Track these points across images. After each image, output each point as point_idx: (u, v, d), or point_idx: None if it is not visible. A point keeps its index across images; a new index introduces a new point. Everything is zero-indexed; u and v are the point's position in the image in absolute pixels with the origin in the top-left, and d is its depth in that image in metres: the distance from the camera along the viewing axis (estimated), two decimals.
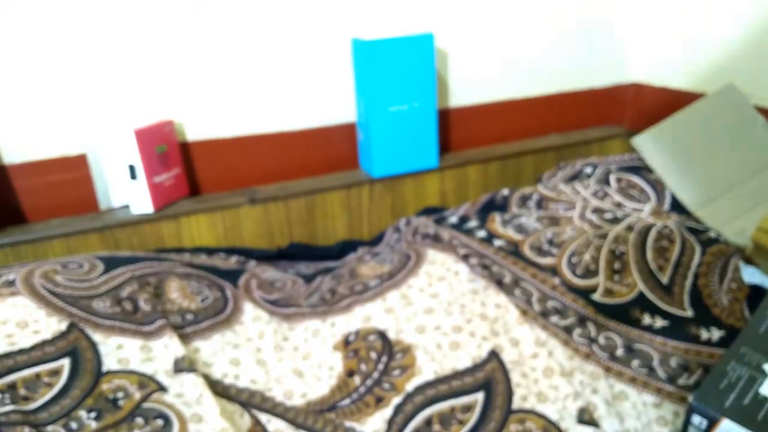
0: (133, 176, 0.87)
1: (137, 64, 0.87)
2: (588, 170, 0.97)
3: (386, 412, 0.59)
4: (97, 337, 0.60)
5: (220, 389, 0.60)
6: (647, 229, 0.77)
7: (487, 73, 1.11)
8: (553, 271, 0.71)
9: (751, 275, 0.72)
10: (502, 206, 0.90)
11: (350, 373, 0.63)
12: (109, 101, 0.87)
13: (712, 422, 0.48)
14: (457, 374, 0.62)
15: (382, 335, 0.66)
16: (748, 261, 0.75)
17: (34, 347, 0.57)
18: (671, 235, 0.76)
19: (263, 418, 0.59)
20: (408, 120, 0.99)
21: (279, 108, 0.98)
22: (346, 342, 0.66)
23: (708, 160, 0.93)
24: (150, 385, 0.57)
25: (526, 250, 0.75)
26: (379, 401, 0.60)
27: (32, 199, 0.87)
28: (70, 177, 0.88)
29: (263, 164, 0.99)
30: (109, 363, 0.58)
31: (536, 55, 1.14)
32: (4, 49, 0.80)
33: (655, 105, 1.18)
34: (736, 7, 0.99)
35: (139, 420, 0.54)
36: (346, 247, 0.98)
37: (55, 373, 0.56)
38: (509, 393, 0.61)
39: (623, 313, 0.68)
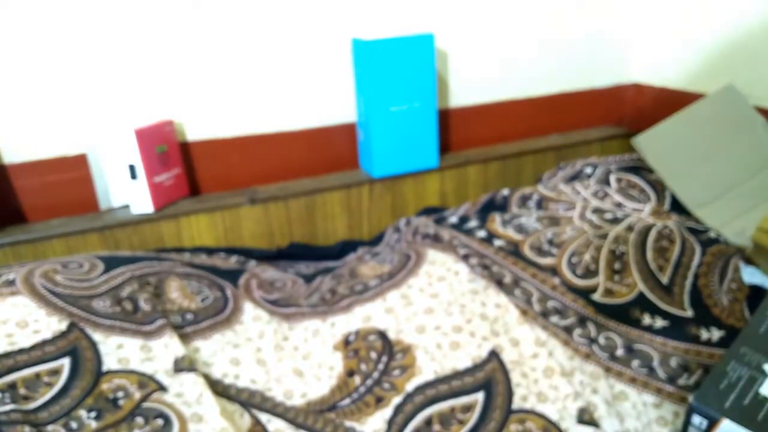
0: (133, 176, 0.87)
1: (137, 64, 0.87)
2: (588, 170, 0.97)
3: (386, 412, 0.59)
4: (97, 336, 0.60)
5: (220, 389, 0.60)
6: (647, 229, 0.77)
7: (487, 73, 1.11)
8: (553, 271, 0.71)
9: (751, 275, 0.72)
10: (502, 206, 0.90)
11: (350, 373, 0.63)
12: (109, 101, 0.87)
13: (712, 422, 0.48)
14: (457, 374, 0.62)
15: (382, 335, 0.66)
16: (748, 261, 0.75)
17: (34, 347, 0.57)
18: (671, 235, 0.76)
19: (263, 417, 0.59)
20: (408, 120, 0.99)
21: (279, 108, 0.98)
22: (346, 342, 0.66)
23: (708, 160, 0.93)
24: (150, 384, 0.57)
25: (526, 250, 0.75)
26: (379, 401, 0.60)
27: (32, 198, 0.87)
28: (70, 177, 0.88)
29: (263, 164, 0.99)
30: (109, 362, 0.58)
31: (536, 55, 1.14)
32: (4, 49, 0.80)
33: (655, 105, 1.18)
34: (736, 7, 0.99)
35: (139, 420, 0.54)
36: (346, 247, 0.98)
37: (55, 372, 0.56)
38: (509, 393, 0.61)
39: (623, 313, 0.68)
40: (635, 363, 0.63)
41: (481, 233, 0.79)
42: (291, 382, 0.63)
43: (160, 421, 0.54)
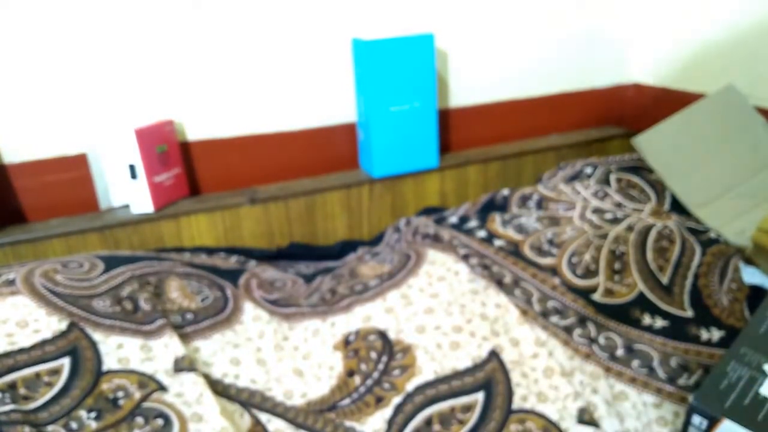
0: (134, 176, 0.87)
1: (137, 64, 0.87)
2: (588, 170, 0.97)
3: (386, 411, 0.59)
4: (97, 336, 0.60)
5: (220, 389, 0.60)
6: (647, 229, 0.77)
7: (487, 73, 1.11)
8: (554, 271, 0.71)
9: (751, 275, 0.72)
10: (502, 206, 0.90)
11: (350, 373, 0.63)
12: (109, 101, 0.87)
13: (713, 422, 0.48)
14: (457, 374, 0.62)
15: (382, 335, 0.66)
16: (748, 261, 0.75)
17: (34, 346, 0.57)
18: (671, 236, 0.76)
19: (263, 417, 0.59)
20: (408, 120, 0.99)
21: (279, 108, 0.98)
22: (346, 342, 0.66)
23: (708, 160, 0.93)
24: (150, 384, 0.57)
25: (526, 250, 0.75)
26: (379, 401, 0.60)
27: (32, 198, 0.87)
28: (70, 176, 0.88)
29: (263, 164, 0.99)
30: (109, 362, 0.58)
31: (536, 55, 1.14)
32: (4, 49, 0.80)
33: (655, 105, 1.18)
34: (736, 7, 0.99)
35: (140, 419, 0.54)
36: (346, 247, 0.98)
37: (55, 372, 0.56)
38: (509, 393, 0.61)
39: (623, 313, 0.68)
40: (635, 363, 0.63)
41: (481, 233, 0.79)
42: (291, 382, 0.63)
43: (160, 421, 0.54)
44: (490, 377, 0.62)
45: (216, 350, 0.64)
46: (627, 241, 0.75)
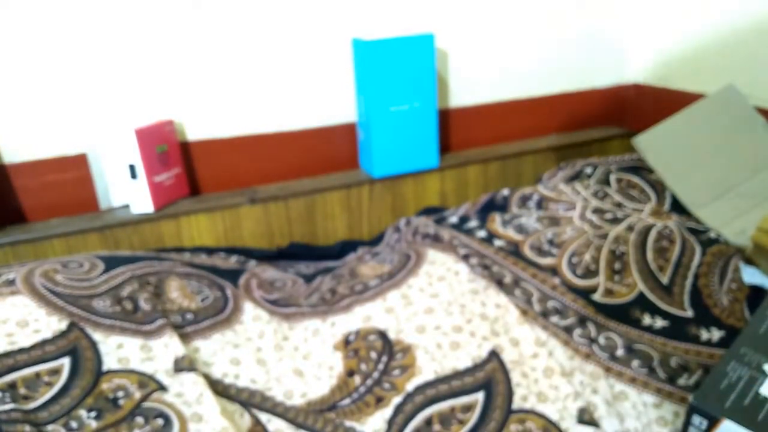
0: (134, 176, 0.87)
1: (137, 64, 0.87)
2: (588, 170, 0.97)
3: (386, 411, 0.59)
4: (97, 336, 0.60)
5: (220, 389, 0.60)
6: (647, 229, 0.77)
7: (487, 73, 1.11)
8: (554, 271, 0.71)
9: (751, 275, 0.72)
10: (502, 206, 0.90)
11: (350, 373, 0.63)
12: (109, 101, 0.87)
13: (713, 422, 0.48)
14: (458, 374, 0.62)
15: (382, 335, 0.66)
16: (748, 261, 0.75)
17: (34, 346, 0.57)
18: (671, 236, 0.76)
19: (263, 417, 0.59)
20: (408, 120, 0.99)
21: (279, 108, 0.98)
22: (346, 342, 0.66)
23: (708, 160, 0.93)
24: (150, 384, 0.57)
25: (527, 250, 0.75)
26: (380, 401, 0.60)
27: (32, 198, 0.87)
28: (70, 176, 0.88)
29: (263, 164, 0.99)
30: (109, 362, 0.58)
31: (536, 55, 1.14)
32: (4, 49, 0.80)
33: (655, 105, 1.18)
34: (736, 7, 0.99)
35: (140, 419, 0.54)
36: (346, 247, 0.98)
37: (55, 372, 0.56)
38: (509, 393, 0.61)
39: (623, 314, 0.68)
40: (635, 363, 0.63)
41: (481, 233, 0.79)
42: (291, 382, 0.63)
43: (160, 421, 0.54)
44: (490, 377, 0.62)
45: (216, 350, 0.64)
46: (627, 241, 0.75)
